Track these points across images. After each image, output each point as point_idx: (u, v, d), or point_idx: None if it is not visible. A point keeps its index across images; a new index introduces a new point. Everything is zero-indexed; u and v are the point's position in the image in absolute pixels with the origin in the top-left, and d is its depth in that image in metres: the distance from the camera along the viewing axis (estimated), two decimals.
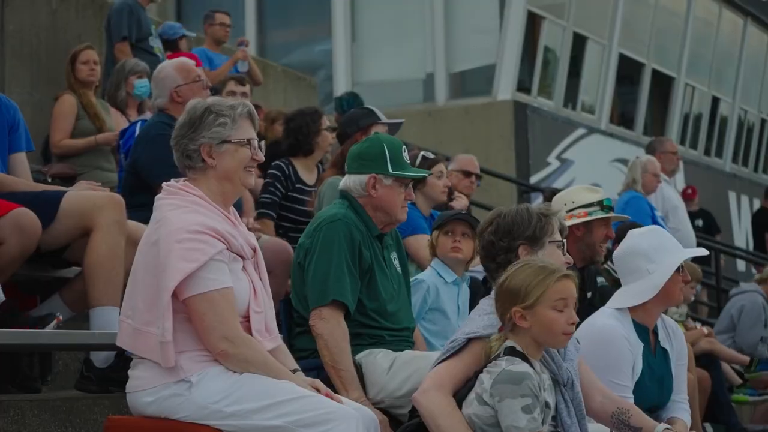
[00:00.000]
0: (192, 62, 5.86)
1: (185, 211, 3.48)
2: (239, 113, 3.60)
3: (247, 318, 3.58)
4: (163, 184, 3.63)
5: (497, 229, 3.95)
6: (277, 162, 6.36)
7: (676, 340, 4.45)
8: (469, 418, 3.49)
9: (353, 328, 4.22)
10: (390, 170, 4.31)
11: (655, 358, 4.32)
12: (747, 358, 8.31)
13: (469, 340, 3.65)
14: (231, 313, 3.46)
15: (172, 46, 8.77)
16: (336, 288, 4.16)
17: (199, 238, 3.44)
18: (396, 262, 4.48)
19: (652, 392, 4.29)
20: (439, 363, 3.69)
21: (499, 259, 3.92)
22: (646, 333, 4.30)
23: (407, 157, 4.40)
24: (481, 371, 3.55)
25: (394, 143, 4.39)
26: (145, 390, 3.48)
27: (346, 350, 4.14)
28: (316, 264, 4.22)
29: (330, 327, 4.13)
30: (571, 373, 3.76)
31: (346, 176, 4.43)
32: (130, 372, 3.58)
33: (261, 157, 3.67)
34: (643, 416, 3.95)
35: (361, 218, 4.33)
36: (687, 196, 12.97)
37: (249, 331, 3.57)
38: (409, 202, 4.43)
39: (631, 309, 4.28)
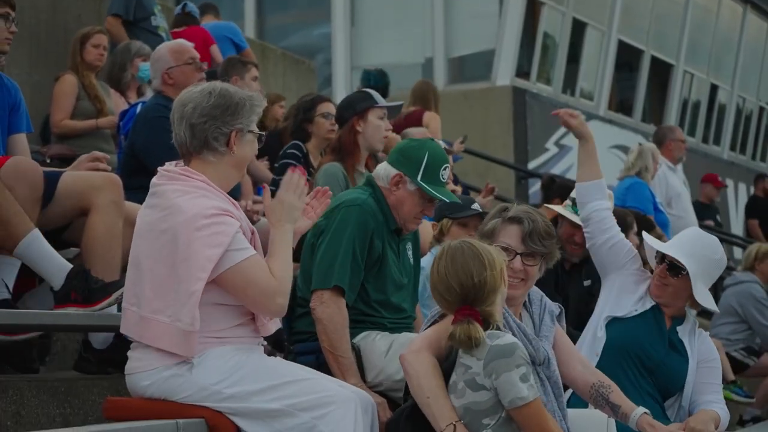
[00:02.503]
0: (187, 44, 5.85)
1: (194, 197, 3.47)
2: (264, 106, 3.69)
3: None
4: (159, 169, 3.60)
5: None
6: (295, 142, 6.35)
7: (701, 342, 4.53)
8: (464, 408, 3.43)
9: (354, 315, 4.22)
10: (418, 178, 4.24)
11: (662, 336, 4.43)
12: (731, 377, 8.24)
13: None
14: (268, 273, 3.48)
15: (180, 21, 8.80)
16: (340, 274, 4.15)
17: (217, 221, 3.43)
18: (410, 253, 4.45)
19: (656, 348, 4.37)
20: (426, 328, 3.71)
21: None
22: (661, 313, 4.46)
23: (444, 177, 4.30)
24: (452, 363, 3.48)
25: (437, 157, 4.28)
26: (145, 372, 3.48)
27: (345, 337, 4.13)
28: (326, 246, 4.20)
29: (330, 312, 4.12)
30: (548, 352, 3.79)
31: (384, 163, 4.39)
32: (129, 353, 3.57)
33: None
34: (623, 396, 3.96)
35: (381, 208, 4.29)
36: (718, 184, 12.95)
37: (257, 318, 3.60)
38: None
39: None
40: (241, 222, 3.54)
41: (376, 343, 4.21)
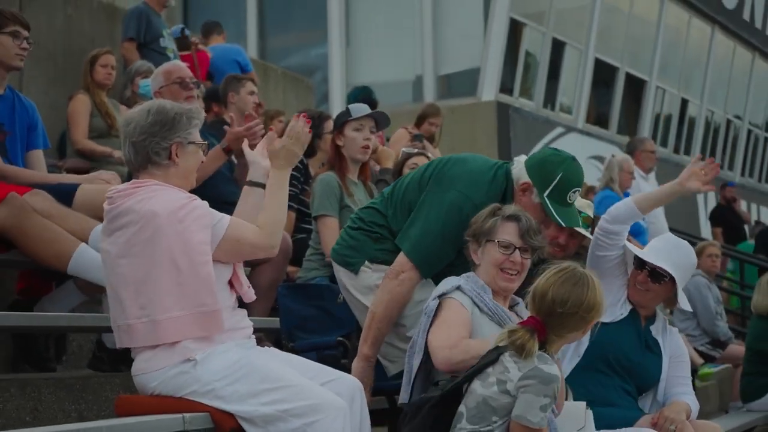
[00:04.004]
0: (179, 65, 5.87)
1: (159, 197, 3.43)
2: (202, 118, 3.65)
3: (236, 275, 3.58)
4: (108, 194, 3.52)
5: None
6: None
7: (672, 340, 4.52)
8: (483, 398, 3.41)
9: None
10: (543, 193, 4.00)
11: (639, 338, 4.40)
12: (700, 361, 8.35)
13: (439, 300, 3.76)
14: (249, 225, 3.55)
15: (182, 45, 8.77)
16: (427, 258, 4.01)
17: (191, 207, 3.44)
18: None
19: (633, 349, 4.34)
20: (426, 332, 3.70)
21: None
22: (637, 315, 4.42)
23: (571, 198, 4.03)
24: (501, 352, 3.45)
25: (571, 178, 4.00)
26: (152, 372, 3.45)
27: (395, 315, 4.04)
28: (424, 222, 4.02)
29: (400, 291, 4.02)
30: None
31: (522, 163, 4.07)
32: (135, 356, 3.52)
33: (204, 159, 3.72)
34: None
35: (505, 199, 4.02)
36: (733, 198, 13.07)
37: (239, 285, 3.58)
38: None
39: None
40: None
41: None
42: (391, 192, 4.24)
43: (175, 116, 3.54)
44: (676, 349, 4.51)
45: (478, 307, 3.78)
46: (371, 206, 4.29)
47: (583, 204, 4.57)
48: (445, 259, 4.06)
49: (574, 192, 4.03)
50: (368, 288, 4.20)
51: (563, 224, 4.03)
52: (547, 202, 3.99)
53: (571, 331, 3.50)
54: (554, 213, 3.98)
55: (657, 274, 4.35)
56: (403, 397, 3.85)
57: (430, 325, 3.74)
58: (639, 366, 4.38)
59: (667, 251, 4.41)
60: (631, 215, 4.36)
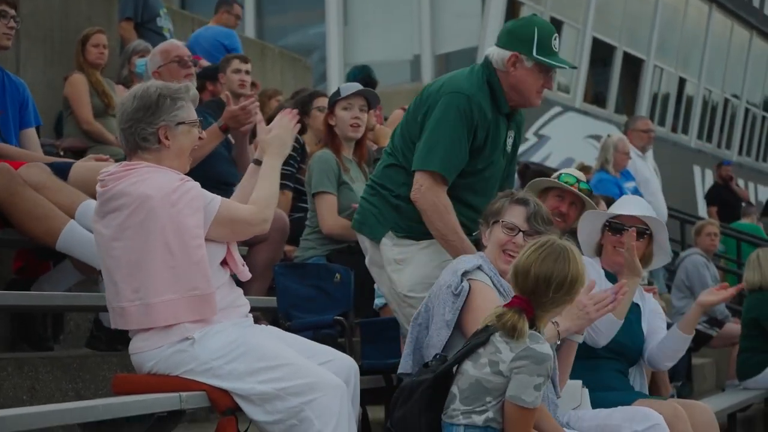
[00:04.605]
0: (176, 44, 5.83)
1: (151, 180, 3.41)
2: (192, 96, 3.61)
3: (230, 254, 3.58)
4: (100, 177, 3.51)
5: None
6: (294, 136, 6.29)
7: (648, 299, 4.53)
8: (476, 379, 3.39)
9: None
10: (534, 53, 4.03)
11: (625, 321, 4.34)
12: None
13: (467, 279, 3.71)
14: (240, 205, 3.58)
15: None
16: (442, 159, 4.00)
17: (183, 189, 3.42)
18: (510, 141, 4.27)
19: (619, 332, 4.29)
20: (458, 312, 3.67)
21: None
22: (615, 279, 4.33)
23: (556, 46, 4.09)
24: (491, 333, 3.41)
25: (545, 29, 4.09)
26: (150, 351, 3.43)
27: (450, 220, 4.02)
28: (429, 133, 4.03)
29: (430, 199, 4.01)
30: None
31: (493, 48, 4.14)
32: (131, 335, 3.51)
33: (204, 135, 3.76)
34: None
35: (494, 93, 4.09)
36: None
37: (233, 264, 3.57)
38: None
39: (601, 259, 4.43)
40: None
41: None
42: (392, 142, 4.24)
43: (158, 99, 3.50)
44: (652, 305, 4.53)
45: (496, 287, 3.78)
46: (383, 166, 4.25)
47: (577, 174, 4.66)
48: (461, 158, 4.03)
49: (555, 39, 4.09)
50: (387, 261, 4.17)
51: (567, 67, 4.14)
52: (542, 57, 4.03)
53: (557, 306, 3.47)
54: (554, 62, 4.05)
55: (640, 230, 4.32)
56: (403, 366, 3.83)
57: (462, 307, 3.68)
58: (626, 347, 4.37)
59: (639, 206, 4.41)
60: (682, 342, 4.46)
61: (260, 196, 3.62)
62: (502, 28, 4.25)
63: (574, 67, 4.40)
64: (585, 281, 3.52)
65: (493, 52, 4.13)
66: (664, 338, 4.43)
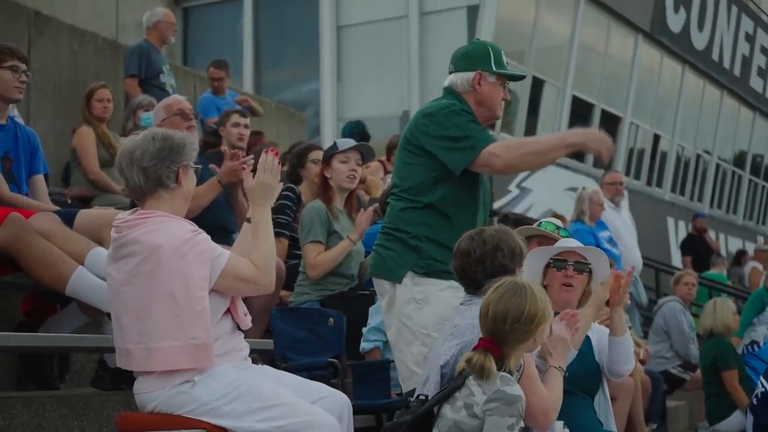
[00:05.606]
0: (178, 98, 5.92)
1: (164, 230, 3.44)
2: (197, 145, 3.70)
3: (233, 305, 3.58)
4: (117, 221, 3.53)
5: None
6: (289, 185, 6.37)
7: (593, 329, 4.44)
8: (454, 422, 3.40)
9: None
10: (494, 68, 4.21)
11: (580, 357, 4.29)
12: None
13: None
14: (248, 263, 3.52)
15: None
16: (477, 138, 4.06)
17: (194, 241, 3.43)
18: None
19: (574, 365, 4.23)
20: None
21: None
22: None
23: (508, 63, 4.32)
24: (466, 376, 3.41)
25: (495, 47, 4.29)
26: (152, 392, 3.46)
27: (531, 145, 4.13)
28: (444, 131, 4.09)
29: (506, 158, 4.04)
30: None
31: (453, 74, 4.26)
32: (136, 376, 3.53)
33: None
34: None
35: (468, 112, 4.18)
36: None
37: (236, 314, 3.58)
38: None
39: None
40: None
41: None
42: (398, 185, 4.24)
43: (179, 142, 3.58)
44: (600, 335, 4.42)
45: None
46: (396, 211, 4.21)
47: (557, 222, 4.77)
48: (483, 129, 4.11)
49: (504, 56, 4.26)
50: (405, 300, 4.10)
51: (525, 76, 4.38)
52: (502, 71, 4.20)
53: (521, 343, 3.45)
54: (514, 73, 4.27)
55: (580, 265, 4.30)
56: (426, 389, 3.66)
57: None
58: (582, 377, 4.31)
59: (573, 242, 4.42)
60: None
61: (260, 257, 3.56)
62: (453, 56, 4.34)
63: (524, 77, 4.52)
64: (548, 316, 3.48)
65: (453, 78, 4.25)
66: (609, 352, 4.36)
